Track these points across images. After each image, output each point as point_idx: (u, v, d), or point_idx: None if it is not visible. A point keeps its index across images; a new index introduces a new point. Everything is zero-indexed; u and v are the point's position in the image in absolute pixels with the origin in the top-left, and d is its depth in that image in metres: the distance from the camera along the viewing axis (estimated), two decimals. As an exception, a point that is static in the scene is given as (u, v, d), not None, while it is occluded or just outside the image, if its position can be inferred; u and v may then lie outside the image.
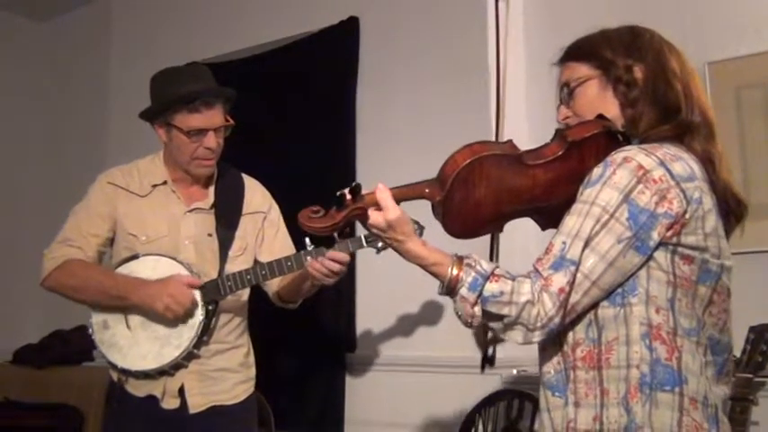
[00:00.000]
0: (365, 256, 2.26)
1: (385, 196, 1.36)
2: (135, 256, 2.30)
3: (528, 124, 3.16)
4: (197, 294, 2.24)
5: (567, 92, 1.51)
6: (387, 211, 1.35)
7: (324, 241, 2.15)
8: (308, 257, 2.20)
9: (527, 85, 3.23)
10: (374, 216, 1.36)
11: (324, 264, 2.15)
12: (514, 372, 3.01)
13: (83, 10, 4.97)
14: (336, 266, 2.16)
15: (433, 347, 3.15)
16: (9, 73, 4.93)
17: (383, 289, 3.27)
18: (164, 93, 2.27)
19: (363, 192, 1.36)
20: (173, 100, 2.23)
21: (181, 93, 2.22)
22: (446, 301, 3.04)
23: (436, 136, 3.25)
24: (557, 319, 1.32)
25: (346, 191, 1.34)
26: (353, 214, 1.35)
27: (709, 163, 1.40)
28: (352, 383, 3.38)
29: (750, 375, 2.26)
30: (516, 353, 2.98)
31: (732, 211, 1.45)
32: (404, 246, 1.39)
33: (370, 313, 3.37)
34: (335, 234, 1.38)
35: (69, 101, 4.98)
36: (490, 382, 2.96)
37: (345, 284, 3.33)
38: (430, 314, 3.16)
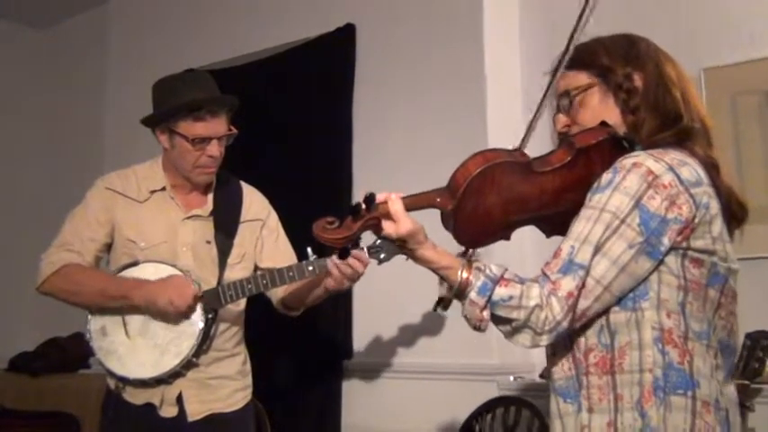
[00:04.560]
0: (362, 264, 2.26)
1: (397, 208, 1.35)
2: (135, 263, 2.29)
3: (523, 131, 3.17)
4: (198, 303, 2.23)
5: (568, 101, 1.50)
6: (399, 225, 1.35)
7: (327, 251, 2.16)
8: (310, 267, 2.20)
9: (522, 91, 3.25)
10: (387, 227, 1.36)
11: (351, 263, 2.13)
12: (511, 379, 3.02)
13: (80, 18, 5.00)
14: (361, 266, 2.15)
15: (430, 355, 3.15)
16: (7, 80, 4.94)
17: (380, 296, 3.26)
18: (168, 100, 2.26)
19: (377, 201, 1.35)
20: (178, 107, 2.22)
21: (186, 100, 2.22)
22: (443, 307, 3.06)
23: (432, 143, 3.26)
24: (564, 324, 1.32)
25: (361, 201, 1.34)
26: (369, 224, 1.35)
27: (712, 167, 1.41)
28: (348, 391, 3.38)
29: (746, 382, 2.26)
30: (513, 360, 2.99)
31: (735, 215, 1.45)
32: (416, 253, 1.39)
33: (367, 321, 3.37)
34: (349, 244, 1.38)
35: (67, 107, 4.99)
36: (487, 390, 2.96)
37: (342, 293, 3.33)
38: (426, 321, 3.16)
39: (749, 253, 2.47)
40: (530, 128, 1.53)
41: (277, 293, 2.42)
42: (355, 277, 2.18)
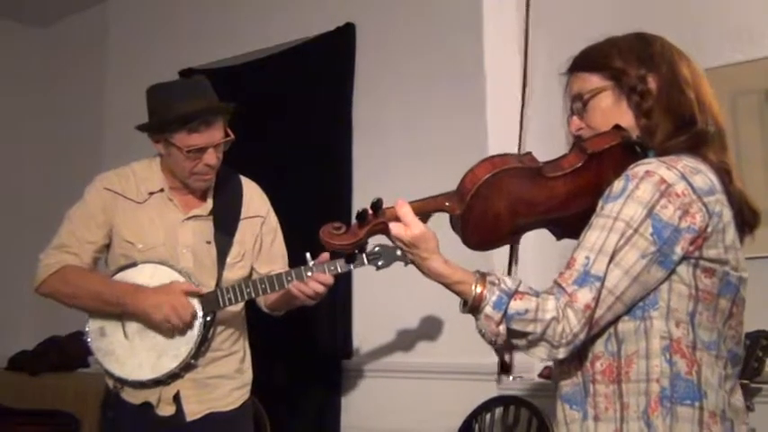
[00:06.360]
0: (361, 263, 2.26)
1: (406, 211, 1.34)
2: (133, 264, 2.28)
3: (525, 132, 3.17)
4: (197, 305, 2.22)
5: (581, 104, 1.48)
6: (410, 228, 1.33)
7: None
8: (309, 273, 2.19)
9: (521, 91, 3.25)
10: (396, 228, 1.34)
11: (309, 284, 2.17)
12: (510, 378, 3.01)
13: (79, 16, 5.00)
14: (321, 288, 2.18)
15: (429, 354, 3.15)
16: (5, 78, 4.94)
17: (379, 296, 3.26)
18: (161, 111, 2.21)
19: (384, 206, 1.34)
20: (171, 121, 2.18)
21: (179, 113, 2.17)
22: (442, 308, 3.06)
23: (432, 141, 3.26)
24: (582, 336, 1.30)
25: (368, 207, 1.33)
26: (376, 229, 1.34)
27: (725, 173, 1.39)
28: (348, 390, 3.38)
29: (746, 381, 2.26)
30: (512, 359, 2.98)
31: (747, 221, 1.43)
32: (427, 263, 1.37)
33: (367, 321, 3.37)
34: (356, 250, 1.37)
35: (66, 106, 4.99)
36: (486, 389, 2.96)
37: (342, 292, 3.33)
38: (426, 321, 3.16)
39: (749, 253, 2.47)
40: (521, 130, 1.52)
41: (259, 300, 2.42)
42: (316, 297, 2.21)
